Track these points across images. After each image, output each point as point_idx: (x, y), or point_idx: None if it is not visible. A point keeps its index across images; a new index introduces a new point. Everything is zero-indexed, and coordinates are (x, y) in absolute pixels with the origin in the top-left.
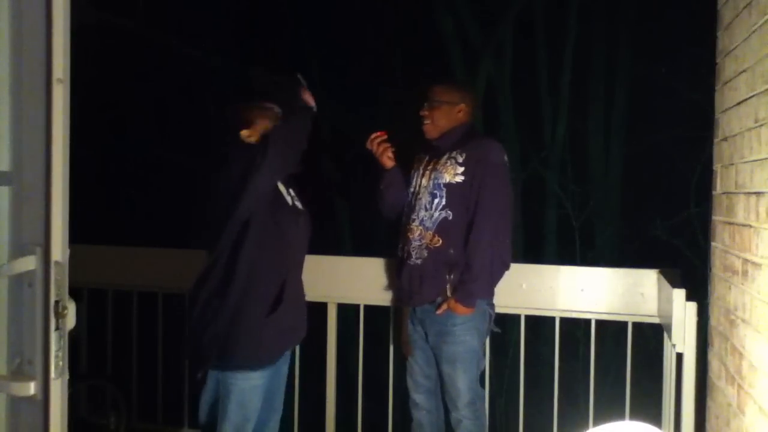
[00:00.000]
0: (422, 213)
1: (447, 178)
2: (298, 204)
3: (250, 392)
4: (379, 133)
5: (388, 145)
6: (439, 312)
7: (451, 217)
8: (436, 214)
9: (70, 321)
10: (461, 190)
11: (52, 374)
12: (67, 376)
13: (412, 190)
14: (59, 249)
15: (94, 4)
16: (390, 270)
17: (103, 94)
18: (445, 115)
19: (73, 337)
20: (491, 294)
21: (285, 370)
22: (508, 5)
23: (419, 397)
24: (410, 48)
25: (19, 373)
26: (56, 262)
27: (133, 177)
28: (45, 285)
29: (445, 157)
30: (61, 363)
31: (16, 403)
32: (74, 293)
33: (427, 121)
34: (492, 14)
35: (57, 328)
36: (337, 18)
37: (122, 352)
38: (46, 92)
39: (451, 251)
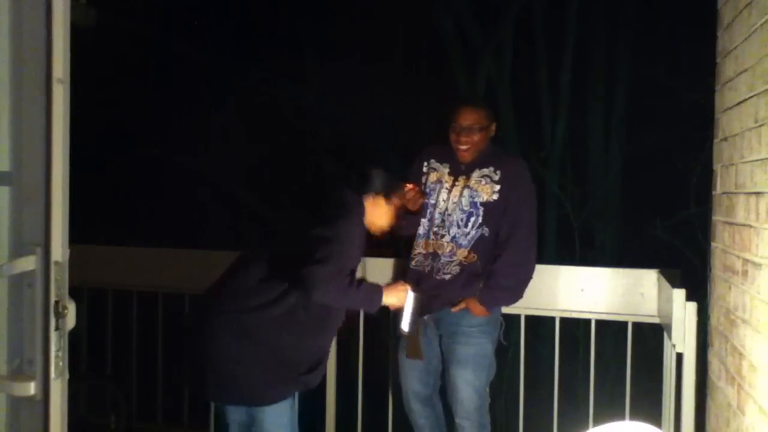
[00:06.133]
0: (455, 230)
1: (484, 197)
2: None
3: None
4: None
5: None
6: (454, 309)
7: (487, 234)
8: (473, 232)
9: (70, 321)
10: (496, 207)
11: (52, 374)
12: (67, 376)
13: (432, 201)
14: (59, 249)
15: (94, 4)
16: (395, 271)
17: (103, 94)
18: (483, 140)
19: (73, 337)
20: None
21: None
22: (508, 5)
23: (417, 405)
24: (410, 48)
25: (19, 373)
26: (56, 262)
27: (133, 177)
28: (45, 285)
29: (477, 174)
30: (61, 363)
31: (16, 403)
32: (74, 293)
33: (465, 147)
34: (492, 14)
35: (57, 328)
36: (336, 18)
37: (122, 352)
38: (46, 92)
39: (481, 264)
